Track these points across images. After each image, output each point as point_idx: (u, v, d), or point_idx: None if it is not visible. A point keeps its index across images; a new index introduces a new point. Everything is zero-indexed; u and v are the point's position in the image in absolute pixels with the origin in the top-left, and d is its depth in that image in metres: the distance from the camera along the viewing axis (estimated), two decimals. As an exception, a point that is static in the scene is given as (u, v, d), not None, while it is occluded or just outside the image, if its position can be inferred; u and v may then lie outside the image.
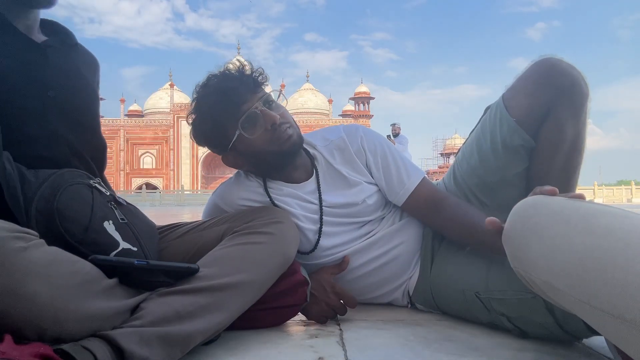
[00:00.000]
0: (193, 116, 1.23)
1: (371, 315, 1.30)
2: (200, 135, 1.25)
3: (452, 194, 1.36)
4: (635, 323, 0.56)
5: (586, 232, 0.66)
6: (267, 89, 1.26)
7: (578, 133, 1.18)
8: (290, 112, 1.27)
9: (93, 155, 1.16)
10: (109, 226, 0.94)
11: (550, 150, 1.20)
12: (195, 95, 1.24)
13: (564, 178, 1.21)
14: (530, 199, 0.80)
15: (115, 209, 1.00)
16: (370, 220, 1.33)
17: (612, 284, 0.59)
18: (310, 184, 1.31)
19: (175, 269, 0.92)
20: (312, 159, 1.32)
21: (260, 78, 1.23)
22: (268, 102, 1.21)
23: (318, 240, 1.28)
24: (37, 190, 0.89)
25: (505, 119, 1.23)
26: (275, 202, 1.28)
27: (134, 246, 0.97)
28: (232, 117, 1.18)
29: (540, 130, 1.19)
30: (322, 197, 1.29)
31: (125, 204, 1.05)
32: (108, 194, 1.02)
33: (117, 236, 0.94)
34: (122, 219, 0.99)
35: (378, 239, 1.31)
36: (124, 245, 0.94)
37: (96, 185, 1.00)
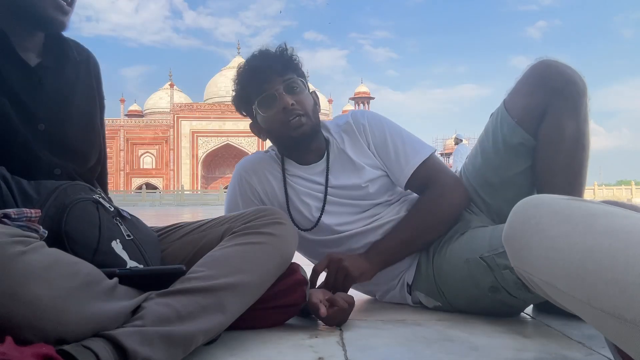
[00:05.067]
0: (234, 85, 1.37)
1: (371, 315, 1.31)
2: (234, 103, 1.40)
3: None
4: (636, 323, 0.56)
5: (587, 232, 0.66)
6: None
7: (579, 129, 1.20)
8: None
9: (95, 181, 1.17)
10: (117, 245, 0.94)
11: (550, 147, 1.22)
12: (239, 66, 1.37)
13: (570, 175, 1.23)
14: (530, 198, 0.80)
15: (121, 224, 0.99)
16: (377, 204, 1.37)
17: (613, 284, 0.59)
18: (320, 165, 1.38)
19: (161, 271, 0.92)
20: (327, 142, 1.39)
21: (294, 63, 1.32)
22: (291, 86, 1.29)
23: (320, 216, 1.34)
24: (40, 209, 0.87)
25: (505, 119, 1.27)
26: (287, 179, 1.38)
27: (140, 263, 0.96)
28: (254, 93, 1.30)
29: (539, 128, 1.23)
30: (329, 177, 1.36)
31: (129, 217, 1.04)
32: (112, 209, 1.00)
33: (124, 255, 0.94)
34: (128, 235, 0.98)
35: (382, 224, 1.34)
36: (131, 264, 0.94)
37: (100, 200, 0.98)
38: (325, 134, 1.39)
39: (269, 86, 1.27)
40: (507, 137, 1.26)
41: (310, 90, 1.37)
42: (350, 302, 1.19)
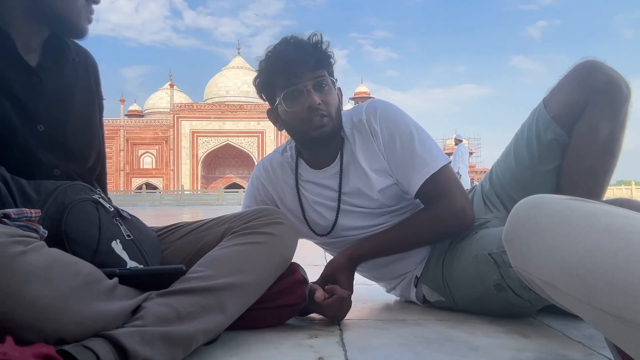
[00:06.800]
0: (260, 65, 1.30)
1: (371, 315, 1.31)
2: (256, 85, 1.33)
3: (484, 192, 1.40)
4: (636, 323, 0.56)
5: (587, 232, 0.66)
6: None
7: (613, 134, 1.18)
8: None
9: (95, 181, 1.17)
10: (117, 246, 0.94)
11: (581, 147, 1.20)
12: (268, 48, 1.30)
13: (592, 179, 1.21)
14: (530, 198, 0.80)
15: (121, 224, 0.99)
16: (391, 211, 1.34)
17: (613, 284, 0.59)
18: (333, 167, 1.34)
19: (161, 271, 0.92)
20: (341, 142, 1.34)
21: (328, 60, 1.27)
22: (320, 84, 1.25)
23: (335, 223, 1.33)
24: (40, 209, 0.87)
25: (541, 115, 1.26)
26: (300, 185, 1.37)
27: (140, 263, 0.96)
28: (281, 84, 1.24)
29: (574, 126, 1.20)
30: (342, 182, 1.33)
31: (129, 217, 1.04)
32: (112, 209, 1.00)
33: (124, 255, 0.94)
34: (128, 236, 0.98)
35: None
36: (131, 264, 0.94)
37: (100, 200, 0.98)
38: (341, 132, 1.33)
39: (297, 80, 1.23)
40: (542, 132, 1.24)
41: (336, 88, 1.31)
42: (349, 294, 1.21)
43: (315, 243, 1.48)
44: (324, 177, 1.35)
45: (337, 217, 1.33)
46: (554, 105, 1.24)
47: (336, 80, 1.30)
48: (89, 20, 1.09)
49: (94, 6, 1.09)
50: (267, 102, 1.35)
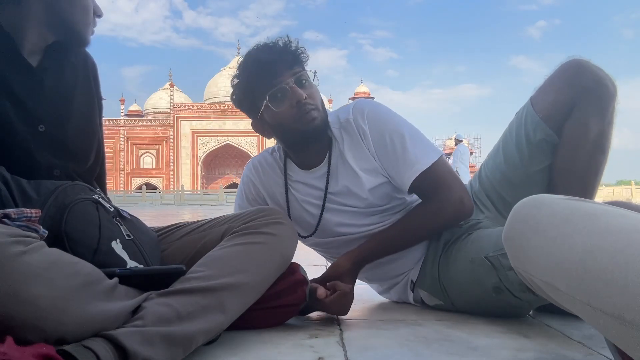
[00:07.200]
0: (234, 80, 1.29)
1: (371, 315, 1.31)
2: (235, 98, 1.32)
3: (474, 193, 1.40)
4: (636, 323, 0.56)
5: (587, 232, 0.66)
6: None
7: (603, 132, 1.19)
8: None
9: (94, 181, 1.18)
10: (117, 246, 0.94)
11: (572, 146, 1.21)
12: (239, 60, 1.30)
13: (585, 177, 1.22)
14: (530, 198, 0.80)
15: (121, 224, 0.99)
16: (381, 211, 1.33)
17: (613, 284, 0.59)
18: (321, 168, 1.33)
19: (161, 271, 0.93)
20: (329, 142, 1.33)
21: (301, 56, 1.26)
22: (300, 80, 1.24)
23: (318, 222, 1.33)
24: (40, 209, 0.87)
25: (530, 115, 1.26)
26: (288, 185, 1.37)
27: (140, 263, 0.97)
28: (263, 87, 1.22)
29: (563, 126, 1.21)
30: (329, 183, 1.32)
31: (129, 217, 1.04)
32: (112, 209, 1.00)
33: (124, 255, 0.94)
34: (128, 235, 0.99)
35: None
36: (131, 264, 0.94)
37: (100, 200, 0.98)
38: (328, 132, 1.32)
39: (279, 80, 1.21)
40: (531, 132, 1.24)
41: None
42: (351, 288, 1.21)
43: (308, 245, 1.46)
44: (313, 177, 1.34)
45: (321, 216, 1.33)
46: (542, 105, 1.24)
47: (315, 72, 1.28)
48: (92, 32, 1.13)
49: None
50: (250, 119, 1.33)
